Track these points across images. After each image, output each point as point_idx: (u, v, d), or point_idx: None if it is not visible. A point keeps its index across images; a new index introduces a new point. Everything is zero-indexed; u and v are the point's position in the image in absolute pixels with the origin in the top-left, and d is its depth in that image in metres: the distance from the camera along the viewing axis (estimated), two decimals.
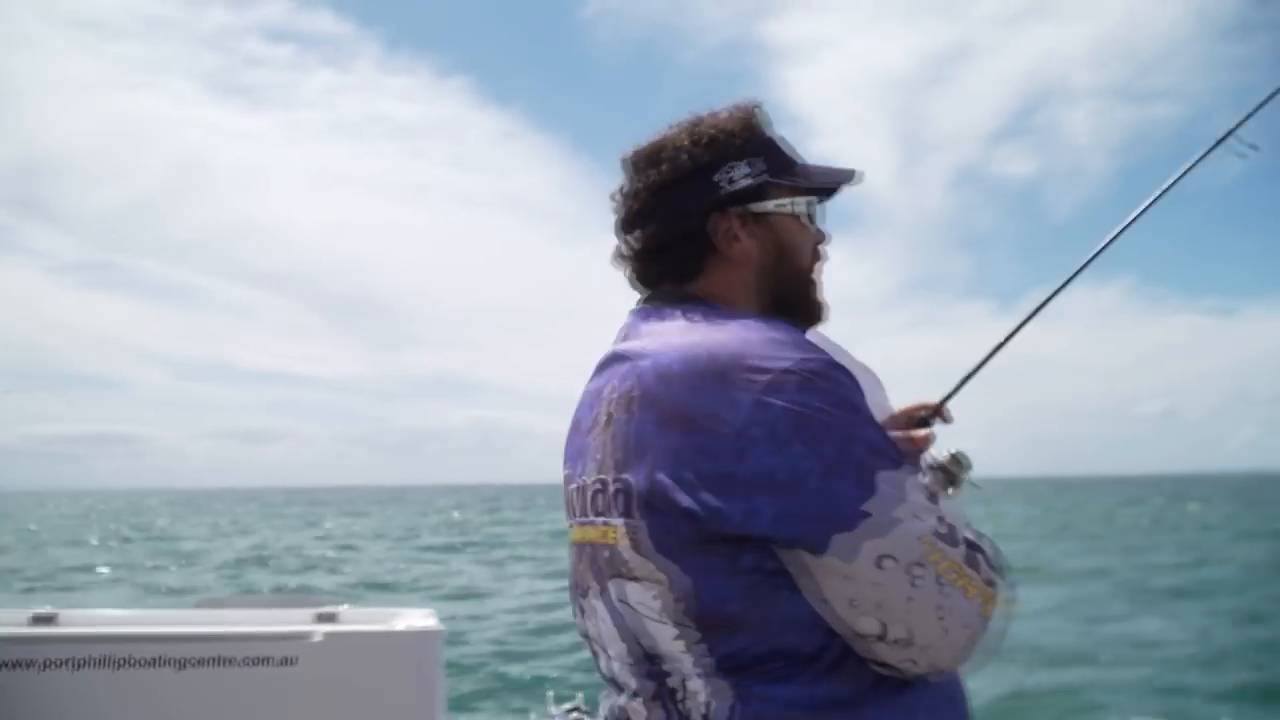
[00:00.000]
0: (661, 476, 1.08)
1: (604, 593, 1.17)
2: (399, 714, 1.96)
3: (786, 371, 1.07)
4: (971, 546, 1.08)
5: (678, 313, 1.22)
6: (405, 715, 1.96)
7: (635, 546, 1.11)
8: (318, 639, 1.93)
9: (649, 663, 1.14)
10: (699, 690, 1.10)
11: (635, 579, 1.12)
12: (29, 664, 1.79)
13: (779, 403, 1.05)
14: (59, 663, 1.80)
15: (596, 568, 1.18)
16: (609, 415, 1.17)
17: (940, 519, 1.06)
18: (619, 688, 1.20)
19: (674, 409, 1.09)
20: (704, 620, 1.08)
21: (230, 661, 1.88)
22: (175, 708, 1.85)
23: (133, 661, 1.84)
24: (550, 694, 2.60)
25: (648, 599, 1.11)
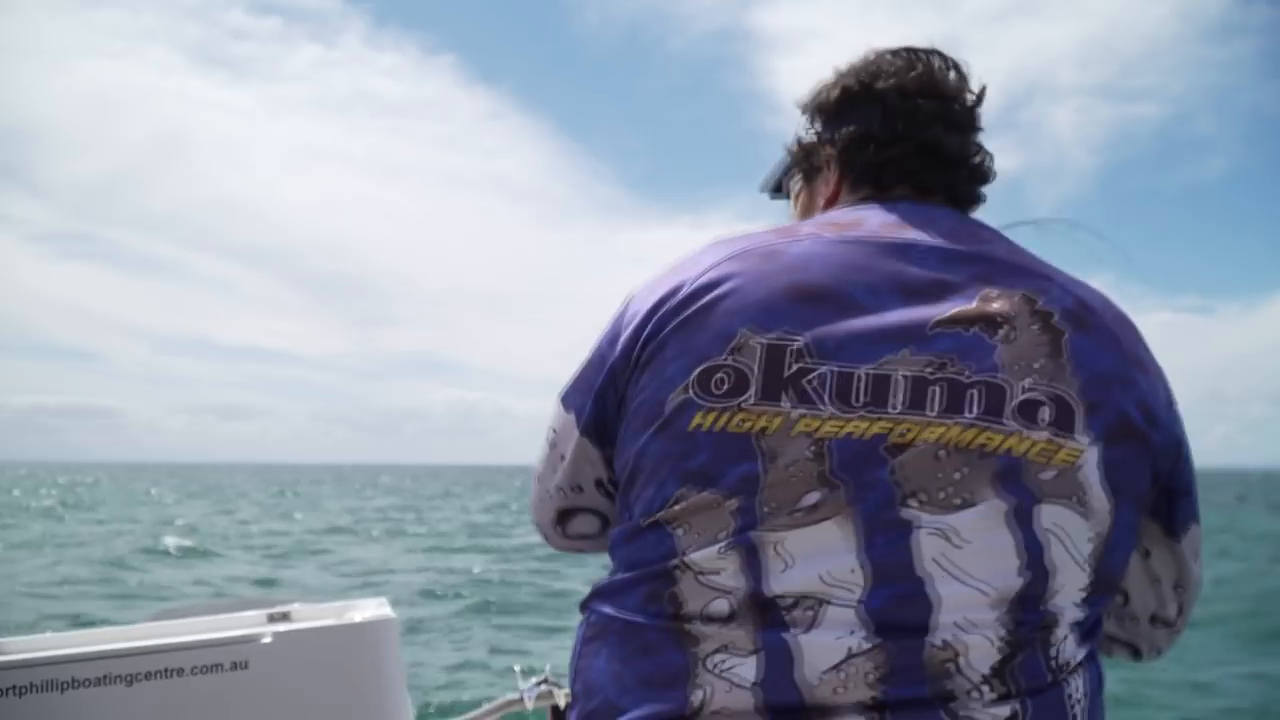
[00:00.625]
0: (1126, 407, 1.02)
1: (1014, 513, 0.97)
2: (359, 707, 1.94)
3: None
4: None
5: (1004, 238, 1.15)
6: (366, 707, 1.94)
7: (1077, 470, 0.98)
8: (268, 639, 1.90)
9: (1028, 606, 0.97)
10: (1073, 647, 1.01)
11: (1067, 507, 0.98)
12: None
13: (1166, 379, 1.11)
14: (3, 691, 1.75)
15: (952, 476, 0.97)
16: (991, 317, 1.03)
17: None
18: (909, 625, 0.96)
19: (1122, 343, 1.07)
20: (1101, 572, 1.02)
21: (179, 672, 1.84)
22: None
23: (79, 682, 1.80)
24: (518, 669, 2.60)
25: (1080, 532, 0.99)
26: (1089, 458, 0.99)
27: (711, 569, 1.00)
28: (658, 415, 1.05)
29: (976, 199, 1.24)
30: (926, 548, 0.96)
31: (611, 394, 1.13)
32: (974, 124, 1.23)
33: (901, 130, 1.20)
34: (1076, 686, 1.00)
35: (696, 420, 1.02)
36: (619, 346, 1.11)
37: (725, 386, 1.02)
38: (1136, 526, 1.07)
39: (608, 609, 1.07)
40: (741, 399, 1.01)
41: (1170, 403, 1.09)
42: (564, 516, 1.30)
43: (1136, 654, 1.25)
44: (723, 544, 1.00)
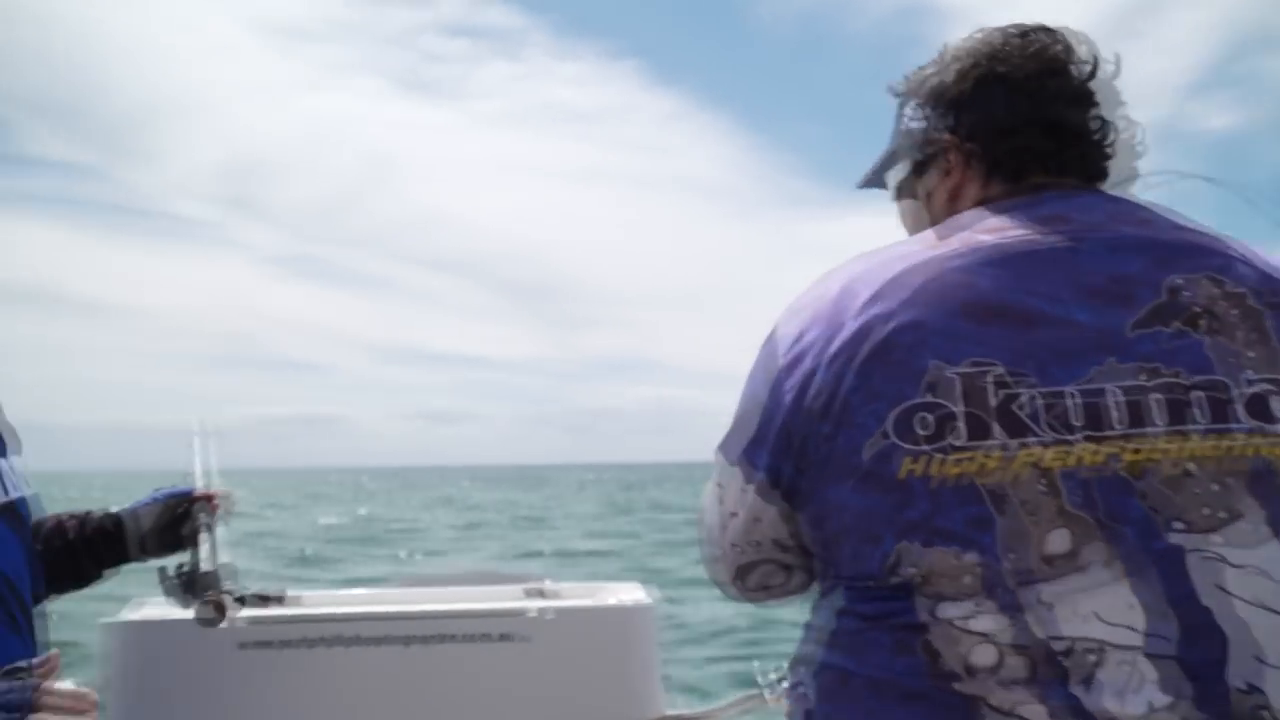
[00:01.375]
0: None
1: (1267, 519, 0.88)
2: (618, 688, 1.95)
3: None
4: None
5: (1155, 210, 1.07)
6: (624, 690, 1.95)
7: None
8: (533, 614, 1.94)
9: None
10: None
11: None
12: (267, 644, 1.87)
13: None
14: (295, 642, 1.87)
15: (1210, 491, 0.89)
16: (1192, 310, 0.95)
17: None
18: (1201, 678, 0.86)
19: None
20: None
21: (452, 638, 1.91)
22: (403, 683, 1.90)
23: (362, 640, 1.90)
24: (756, 664, 2.56)
25: None
26: None
27: (965, 614, 0.91)
28: (855, 467, 0.96)
29: (1105, 175, 1.15)
30: (1203, 575, 0.87)
31: (786, 448, 1.02)
32: (1092, 98, 1.14)
33: (1029, 112, 1.12)
34: None
35: (907, 467, 0.93)
36: (787, 395, 1.02)
37: (929, 428, 0.93)
38: None
39: (844, 663, 1.00)
40: (951, 439, 0.92)
41: None
42: (743, 571, 1.18)
43: None
44: (972, 600, 0.91)
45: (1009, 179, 1.13)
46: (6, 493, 1.39)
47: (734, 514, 1.11)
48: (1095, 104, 1.14)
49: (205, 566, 1.50)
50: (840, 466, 0.96)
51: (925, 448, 0.92)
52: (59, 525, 1.69)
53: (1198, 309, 0.95)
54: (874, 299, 0.99)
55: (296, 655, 1.86)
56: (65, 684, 1.17)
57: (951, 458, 0.91)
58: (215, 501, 1.82)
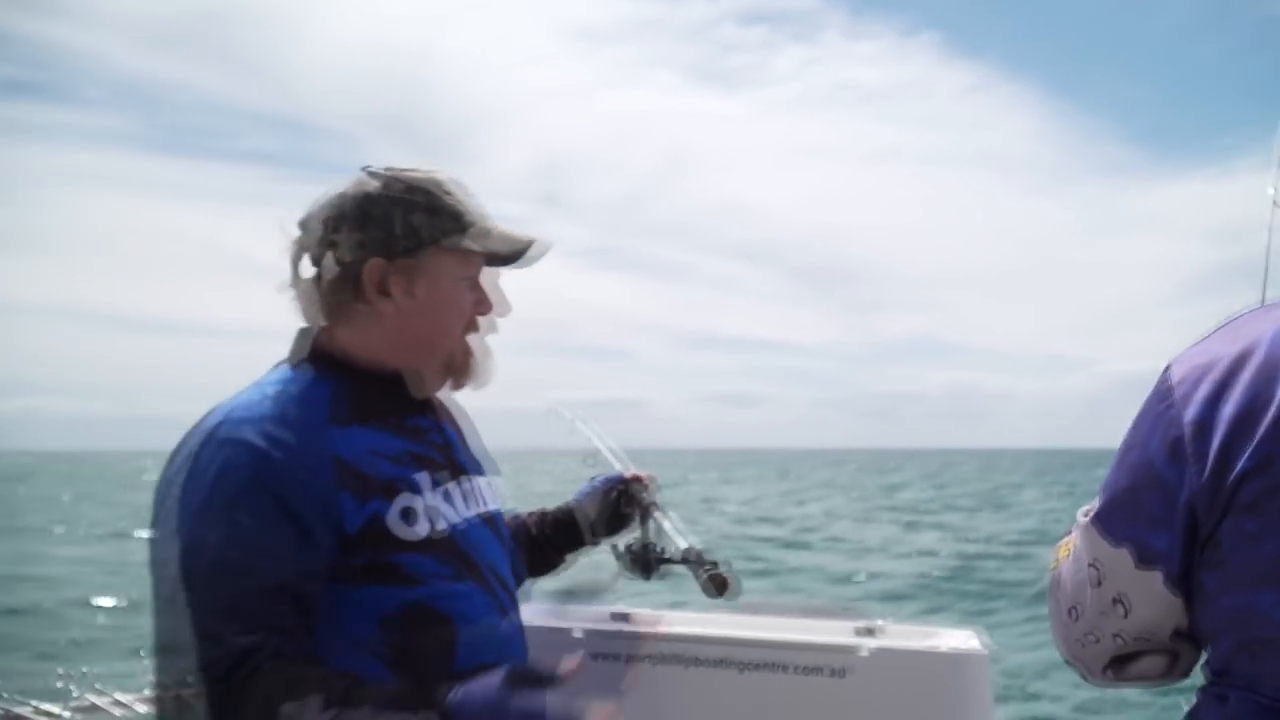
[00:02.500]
0: None
1: None
2: None
3: None
4: None
5: None
6: None
7: None
8: (865, 653, 1.96)
9: None
10: None
11: None
12: (615, 657, 2.01)
13: None
14: (639, 658, 2.00)
15: None
16: None
17: None
18: None
19: None
20: None
21: (785, 668, 1.97)
22: (738, 708, 1.99)
23: (702, 661, 2.00)
24: None
25: None
26: None
27: None
28: None
29: None
30: None
31: (1193, 538, 0.91)
32: None
33: None
34: None
35: None
36: (1194, 472, 0.90)
37: None
38: None
39: None
40: None
41: None
42: (1124, 660, 1.06)
43: None
44: None
45: None
46: (486, 505, 1.63)
47: (1119, 600, 1.00)
48: None
49: (681, 543, 1.66)
50: (1265, 573, 0.86)
51: None
52: (523, 524, 1.95)
53: None
54: None
55: (641, 670, 1.99)
56: (606, 707, 1.20)
57: None
58: (645, 480, 1.99)
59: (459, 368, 1.57)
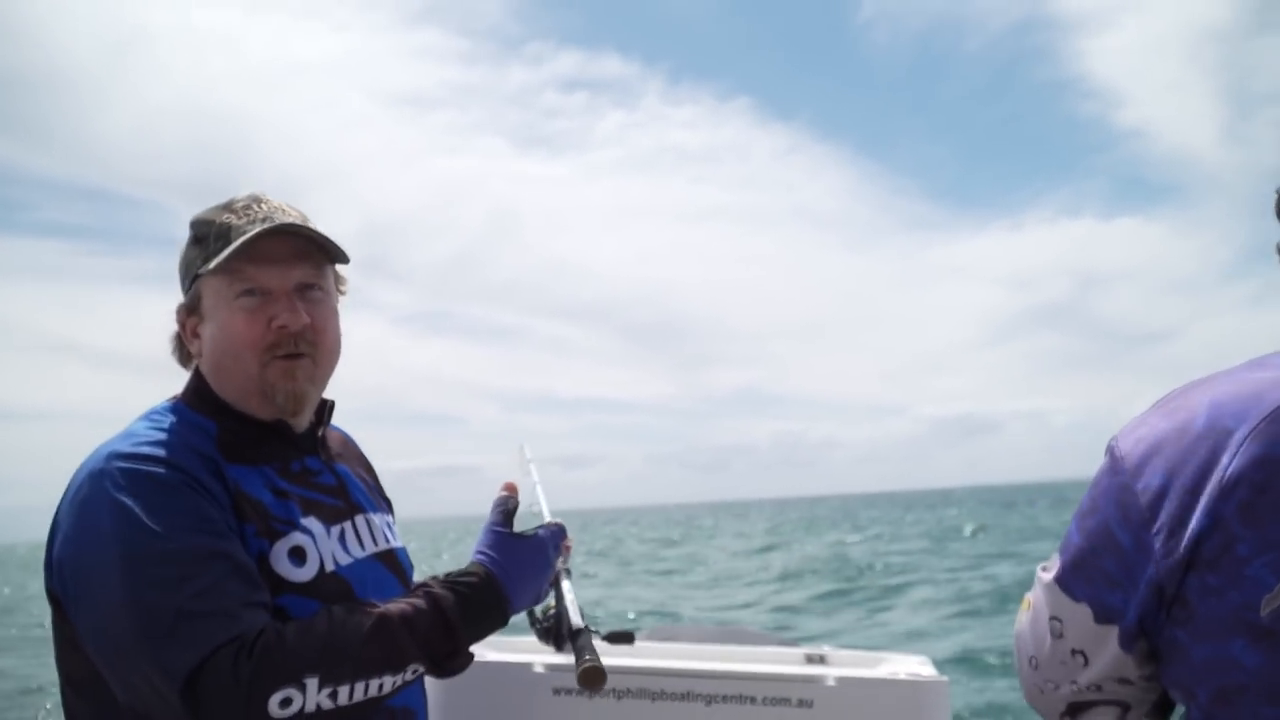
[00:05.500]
0: None
1: None
2: None
3: None
4: None
5: None
6: None
7: None
8: (831, 683, 1.98)
9: None
10: None
11: None
12: (577, 692, 1.96)
13: None
14: (606, 693, 1.95)
15: None
16: None
17: None
18: None
19: None
20: None
21: (752, 699, 1.96)
22: None
23: (668, 694, 1.97)
24: None
25: None
26: None
27: None
28: (1249, 625, 0.90)
29: None
30: None
31: (1159, 601, 0.98)
32: None
33: None
34: None
35: None
36: (1155, 542, 0.96)
37: None
38: None
39: None
40: None
41: None
42: (1078, 709, 1.15)
43: None
44: None
45: None
46: (388, 541, 1.55)
47: (1078, 651, 1.08)
48: None
49: (576, 621, 1.49)
50: (1231, 623, 0.92)
51: None
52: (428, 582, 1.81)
53: None
54: (1251, 436, 0.92)
55: (605, 705, 1.95)
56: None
57: None
58: (568, 543, 1.83)
59: (271, 395, 1.42)
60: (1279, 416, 0.92)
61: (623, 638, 1.77)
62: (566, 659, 2.11)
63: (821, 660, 2.16)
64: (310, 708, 1.19)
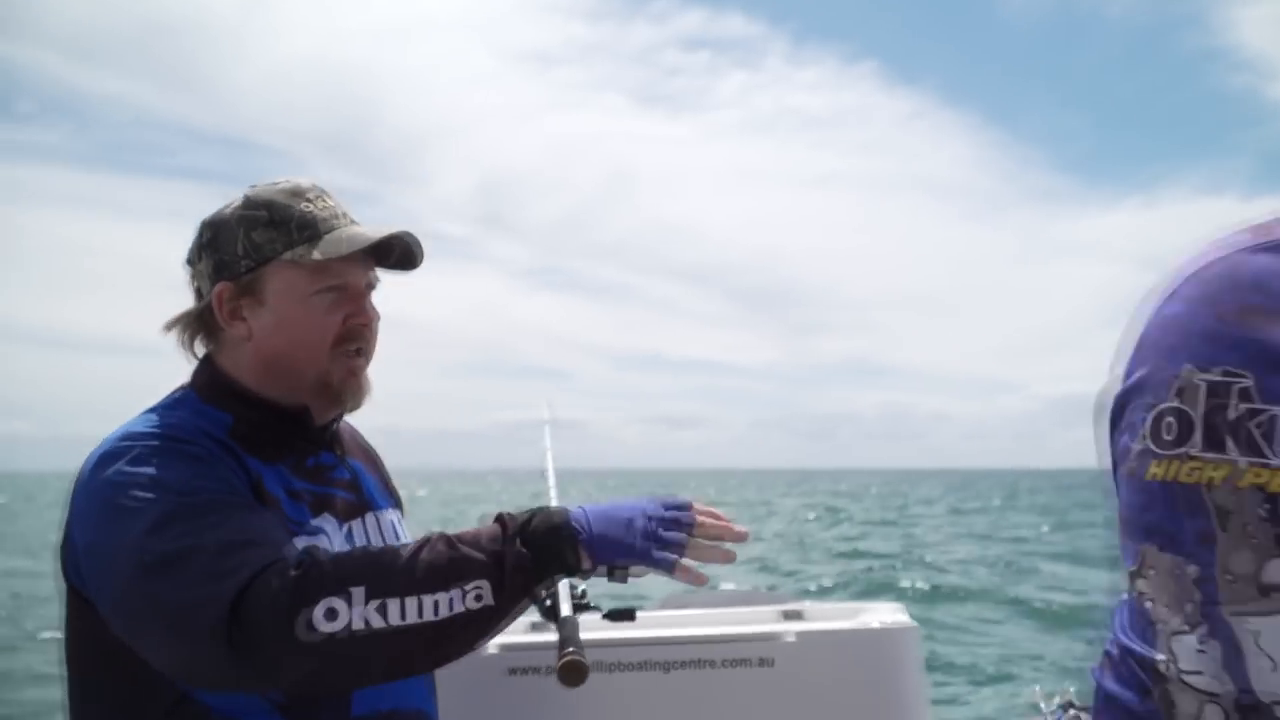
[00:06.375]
0: None
1: None
2: (884, 713, 1.88)
3: None
4: None
5: None
6: (891, 714, 1.87)
7: None
8: (791, 638, 1.90)
9: None
10: None
11: None
12: (534, 670, 1.92)
13: None
14: (547, 669, 1.91)
15: None
16: None
17: None
18: None
19: None
20: None
21: (711, 664, 1.90)
22: (665, 709, 1.91)
23: (625, 665, 1.92)
24: (1038, 689, 2.40)
25: None
26: None
27: (1193, 669, 0.85)
28: (1123, 462, 0.93)
29: None
30: None
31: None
32: None
33: None
34: None
35: (1152, 470, 0.90)
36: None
37: (1173, 433, 0.89)
38: None
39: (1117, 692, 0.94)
40: (1188, 446, 0.88)
41: None
42: None
43: None
44: (1201, 631, 0.86)
45: None
46: (397, 538, 1.53)
47: None
48: None
49: (565, 609, 1.41)
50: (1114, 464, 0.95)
51: (1167, 453, 0.90)
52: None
53: None
54: (1171, 291, 0.93)
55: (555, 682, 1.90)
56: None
57: (1187, 465, 0.88)
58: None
59: (335, 389, 1.43)
60: (1192, 272, 0.91)
61: (624, 615, 1.71)
62: (522, 637, 2.08)
63: (798, 616, 2.08)
64: (359, 624, 1.11)
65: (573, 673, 1.30)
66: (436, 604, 1.15)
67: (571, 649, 1.32)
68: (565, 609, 1.41)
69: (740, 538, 1.32)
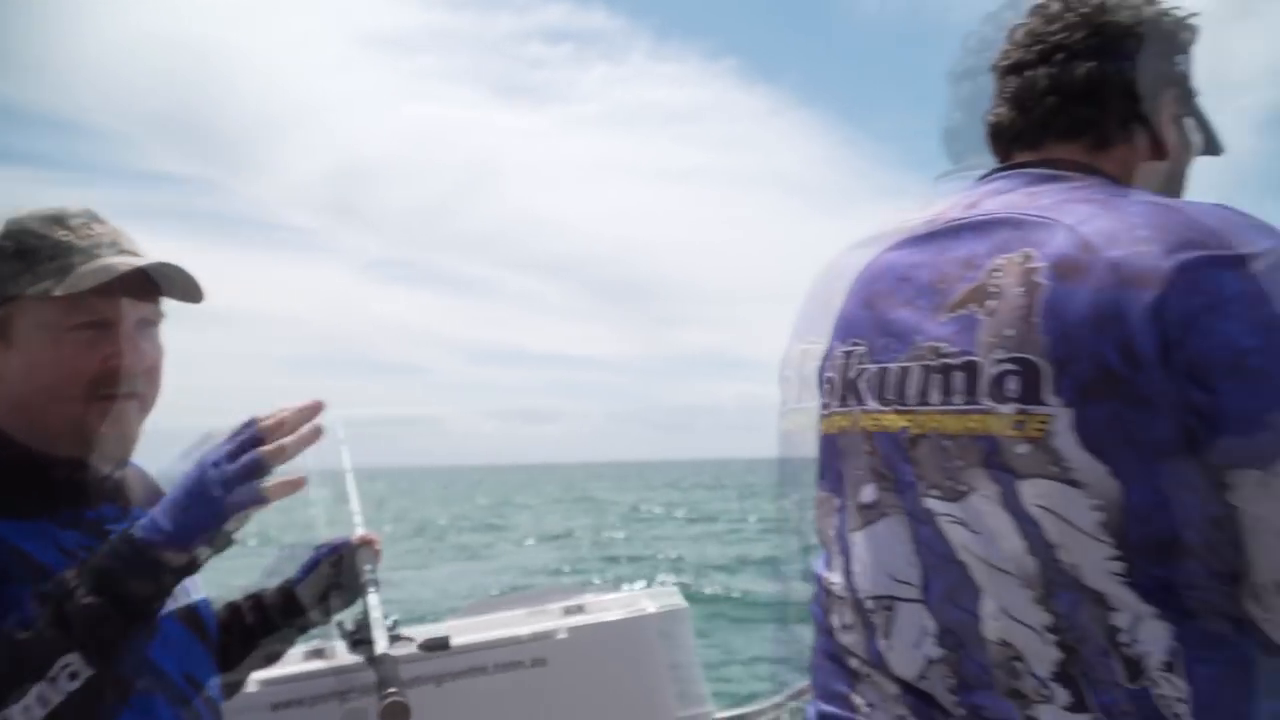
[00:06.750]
0: (1105, 354, 0.86)
1: (1001, 496, 0.92)
2: (656, 697, 1.89)
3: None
4: None
5: (1098, 184, 1.01)
6: (663, 697, 1.89)
7: (1050, 439, 0.89)
8: (563, 635, 1.89)
9: (1057, 587, 0.90)
10: (1153, 636, 0.87)
11: (1049, 479, 0.89)
12: (299, 702, 1.84)
13: (1273, 283, 0.84)
14: (325, 696, 1.84)
15: (954, 464, 0.95)
16: (983, 289, 0.96)
17: None
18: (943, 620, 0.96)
19: (1121, 270, 0.87)
20: (1133, 539, 0.87)
21: (483, 670, 1.87)
22: None
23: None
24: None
25: (1075, 502, 0.88)
26: (1060, 424, 0.88)
27: (828, 579, 1.10)
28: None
29: (1104, 137, 1.09)
30: (954, 537, 0.95)
31: None
32: (1111, 55, 1.09)
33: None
34: (1175, 687, 0.86)
35: (822, 426, 1.13)
36: None
37: (824, 394, 1.12)
38: (1180, 480, 0.86)
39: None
40: (829, 402, 1.11)
41: (1196, 314, 0.84)
42: None
43: None
44: (836, 550, 1.09)
45: (1025, 147, 1.12)
46: (188, 594, 1.39)
47: None
48: (1121, 57, 1.07)
49: (380, 646, 1.34)
50: None
51: (825, 411, 1.13)
52: (236, 611, 1.64)
53: (992, 289, 0.95)
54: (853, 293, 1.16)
55: (328, 710, 1.83)
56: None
57: (830, 420, 1.11)
58: (378, 545, 1.68)
59: (90, 438, 1.29)
60: (865, 283, 1.14)
61: (438, 645, 1.64)
62: (293, 668, 1.99)
63: (580, 610, 2.07)
64: None
65: (397, 715, 1.28)
66: (29, 710, 1.04)
67: (392, 690, 1.29)
68: (381, 645, 1.36)
69: (312, 412, 1.19)
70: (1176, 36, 1.11)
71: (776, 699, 2.20)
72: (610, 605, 2.07)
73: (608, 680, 1.88)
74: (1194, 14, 1.12)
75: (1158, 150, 1.09)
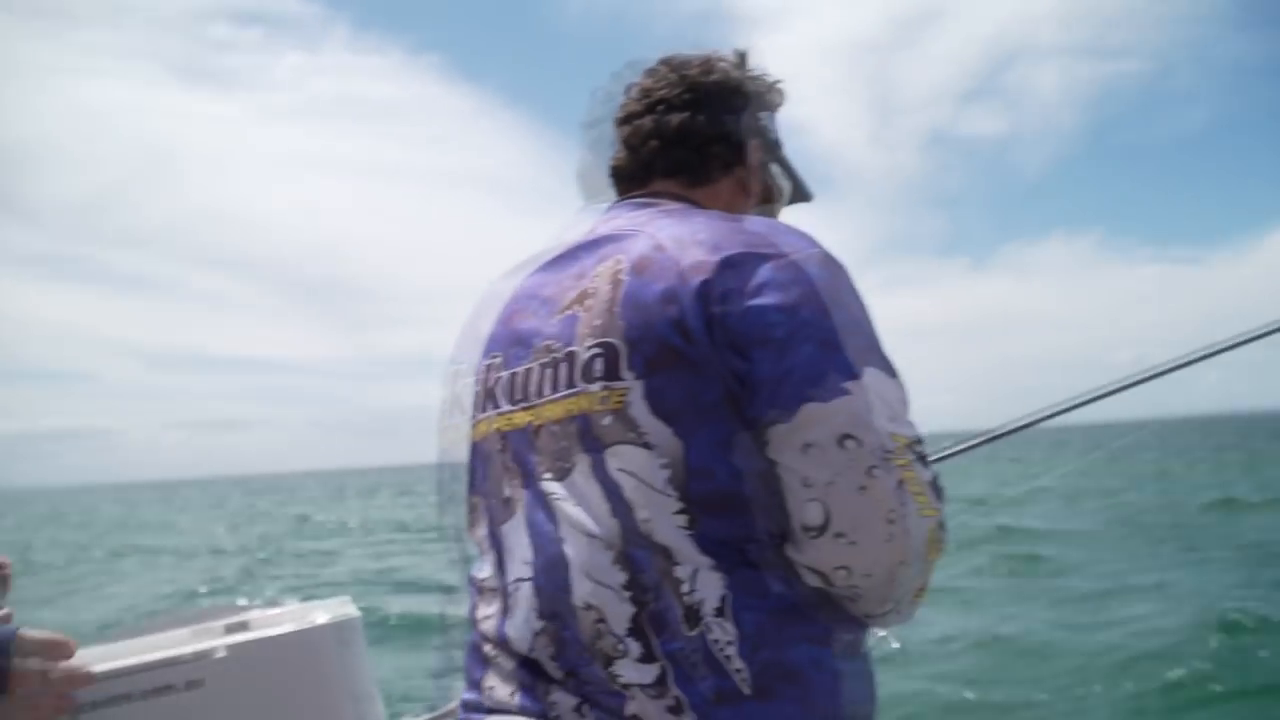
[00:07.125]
0: (665, 333, 1.05)
1: (592, 466, 1.08)
2: (326, 714, 1.81)
3: (811, 252, 1.08)
4: (936, 484, 1.05)
5: (681, 206, 1.24)
6: (333, 713, 1.81)
7: (628, 409, 1.07)
8: (222, 654, 1.76)
9: (631, 543, 1.04)
10: (710, 586, 1.02)
11: (628, 444, 1.06)
12: None
13: (797, 274, 1.05)
14: None
15: (561, 445, 1.11)
16: (585, 292, 1.15)
17: (919, 440, 1.04)
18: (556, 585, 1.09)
19: (682, 264, 1.08)
20: (694, 494, 1.04)
21: (127, 698, 1.70)
22: None
23: None
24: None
25: (648, 463, 1.05)
26: (634, 395, 1.05)
27: (479, 578, 1.22)
28: None
29: (702, 175, 1.33)
30: (561, 514, 1.09)
31: None
32: (701, 105, 1.34)
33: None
34: (725, 631, 1.00)
35: (471, 435, 1.24)
36: None
37: (474, 405, 1.24)
38: (730, 439, 1.04)
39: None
40: (475, 410, 1.24)
41: (734, 295, 1.05)
42: None
43: (828, 582, 1.04)
44: (488, 547, 1.20)
45: (638, 184, 1.34)
46: None
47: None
48: (713, 109, 1.31)
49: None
50: None
51: (471, 420, 1.24)
52: None
53: (592, 290, 1.13)
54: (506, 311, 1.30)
55: None
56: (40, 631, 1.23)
57: (475, 427, 1.23)
58: (6, 570, 1.70)
59: None
60: (513, 302, 1.30)
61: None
62: None
63: (244, 627, 1.94)
64: None
65: None
66: None
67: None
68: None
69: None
70: (763, 97, 1.36)
71: (451, 705, 2.18)
72: (278, 619, 1.96)
73: (274, 699, 1.78)
74: (781, 80, 1.39)
75: (747, 189, 1.33)
